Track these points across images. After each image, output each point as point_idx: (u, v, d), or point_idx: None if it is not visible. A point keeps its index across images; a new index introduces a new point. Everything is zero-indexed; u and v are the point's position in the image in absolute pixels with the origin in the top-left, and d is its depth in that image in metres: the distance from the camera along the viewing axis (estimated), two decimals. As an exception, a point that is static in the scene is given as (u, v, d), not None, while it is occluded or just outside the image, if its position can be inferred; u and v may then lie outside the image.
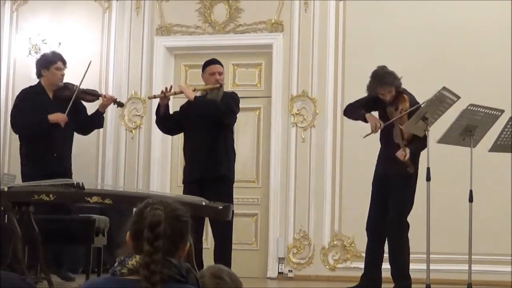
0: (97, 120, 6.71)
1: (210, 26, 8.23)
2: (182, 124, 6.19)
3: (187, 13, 8.26)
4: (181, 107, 6.30)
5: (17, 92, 8.39)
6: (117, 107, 7.01)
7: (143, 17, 8.34)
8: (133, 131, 8.23)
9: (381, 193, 5.88)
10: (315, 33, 7.91)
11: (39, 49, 8.34)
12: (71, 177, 6.28)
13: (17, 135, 6.69)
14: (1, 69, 8.53)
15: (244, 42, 8.15)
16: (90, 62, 6.62)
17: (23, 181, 6.22)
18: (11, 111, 6.67)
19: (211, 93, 6.13)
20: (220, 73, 6.17)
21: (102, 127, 7.11)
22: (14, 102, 6.66)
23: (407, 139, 5.72)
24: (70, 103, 6.38)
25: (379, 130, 5.82)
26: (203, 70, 6.24)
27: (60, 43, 8.32)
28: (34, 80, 8.38)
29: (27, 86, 7.98)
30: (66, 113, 6.35)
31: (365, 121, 5.91)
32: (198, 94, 6.16)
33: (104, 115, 6.78)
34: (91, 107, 6.81)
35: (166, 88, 6.12)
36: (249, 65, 8.23)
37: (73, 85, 6.56)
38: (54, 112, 6.39)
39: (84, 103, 6.69)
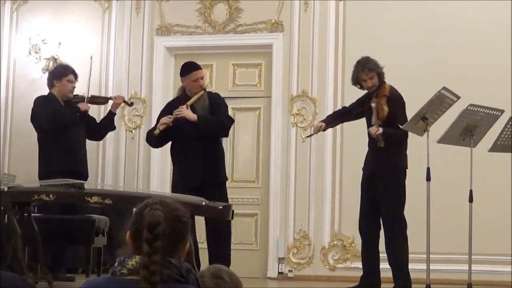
0: (110, 122, 7.00)
1: (210, 26, 8.23)
2: (170, 132, 6.13)
3: (187, 13, 8.25)
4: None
5: (17, 92, 8.46)
6: (128, 106, 7.30)
7: (143, 17, 8.34)
8: (133, 131, 8.23)
9: (370, 193, 5.91)
10: (315, 33, 7.91)
11: (39, 49, 8.35)
12: (87, 178, 6.64)
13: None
14: (1, 69, 8.53)
15: (244, 42, 8.15)
16: (91, 57, 6.85)
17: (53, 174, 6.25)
18: (35, 117, 6.66)
19: (197, 101, 6.10)
20: (202, 77, 6.16)
21: (115, 128, 7.31)
22: (34, 109, 6.68)
23: (382, 120, 5.79)
24: (86, 97, 6.74)
25: (319, 132, 6.15)
26: (182, 76, 6.16)
27: (60, 43, 8.33)
28: (34, 81, 8.42)
29: (27, 86, 8.00)
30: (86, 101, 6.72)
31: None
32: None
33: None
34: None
35: (167, 119, 6.07)
36: (249, 65, 8.23)
37: (83, 95, 6.83)
38: (71, 117, 6.65)
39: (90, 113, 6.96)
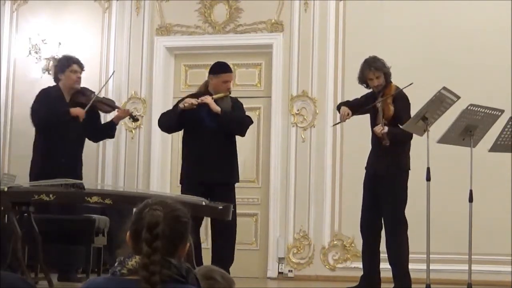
0: (110, 131, 6.89)
1: (210, 26, 8.23)
2: (185, 122, 6.12)
3: (187, 13, 8.25)
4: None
5: (17, 92, 8.47)
6: (132, 121, 7.17)
7: (143, 17, 8.33)
8: (133, 131, 8.23)
9: (372, 193, 5.92)
10: (315, 33, 7.91)
11: (39, 49, 8.35)
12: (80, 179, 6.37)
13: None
14: (1, 69, 8.53)
15: (244, 42, 8.15)
16: (113, 72, 6.75)
17: (33, 176, 6.24)
18: (32, 106, 6.61)
19: (221, 100, 6.10)
20: (231, 81, 6.23)
21: (114, 137, 7.22)
22: (34, 99, 6.63)
23: (387, 120, 5.78)
24: (88, 106, 6.49)
25: (346, 120, 6.00)
26: (214, 74, 6.16)
27: (60, 43, 8.33)
28: (34, 81, 8.42)
29: (26, 86, 8.00)
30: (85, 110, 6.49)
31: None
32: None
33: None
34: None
35: (194, 100, 6.04)
36: (249, 65, 8.23)
37: (91, 91, 6.70)
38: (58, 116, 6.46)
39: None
